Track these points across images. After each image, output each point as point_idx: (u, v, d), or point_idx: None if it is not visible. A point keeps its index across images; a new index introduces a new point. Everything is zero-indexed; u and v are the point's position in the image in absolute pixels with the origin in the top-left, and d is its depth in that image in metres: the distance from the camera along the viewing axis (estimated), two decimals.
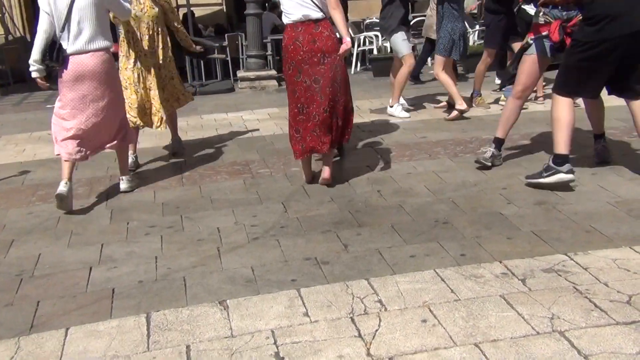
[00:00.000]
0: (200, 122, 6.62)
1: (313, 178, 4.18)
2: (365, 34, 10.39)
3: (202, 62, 9.19)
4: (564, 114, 3.69)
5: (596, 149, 4.25)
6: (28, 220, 3.81)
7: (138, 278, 2.88)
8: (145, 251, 3.20)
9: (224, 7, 12.34)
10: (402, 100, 6.33)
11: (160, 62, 4.75)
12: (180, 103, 5.04)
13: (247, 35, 8.93)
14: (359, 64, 10.18)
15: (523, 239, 3.06)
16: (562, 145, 3.66)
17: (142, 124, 4.73)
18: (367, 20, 11.23)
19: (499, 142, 4.27)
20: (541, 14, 3.93)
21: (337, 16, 3.85)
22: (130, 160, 4.63)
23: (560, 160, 3.66)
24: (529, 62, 4.02)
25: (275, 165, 4.71)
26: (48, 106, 7.85)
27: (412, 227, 3.30)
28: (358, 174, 4.32)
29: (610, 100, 4.21)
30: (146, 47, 4.65)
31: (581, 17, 3.69)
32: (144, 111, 4.71)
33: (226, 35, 9.89)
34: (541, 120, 5.46)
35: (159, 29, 4.72)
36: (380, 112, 6.48)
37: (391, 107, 6.25)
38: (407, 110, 6.30)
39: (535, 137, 4.99)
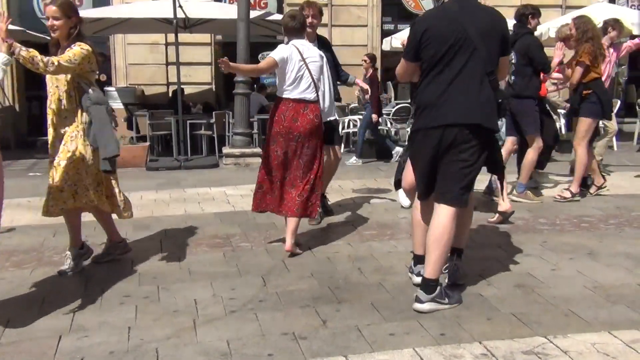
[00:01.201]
0: (184, 195, 6.64)
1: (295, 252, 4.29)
2: (350, 117, 10.69)
3: (188, 136, 9.35)
4: (413, 214, 3.53)
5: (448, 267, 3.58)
6: (0, 285, 3.70)
7: (109, 348, 2.78)
8: (119, 321, 3.11)
9: (213, 86, 12.69)
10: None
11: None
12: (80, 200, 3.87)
13: (234, 114, 9.14)
14: (342, 146, 10.39)
15: (503, 320, 3.04)
16: (416, 245, 3.53)
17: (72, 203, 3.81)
18: (352, 105, 11.59)
19: None
20: None
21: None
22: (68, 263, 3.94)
23: (416, 260, 3.56)
24: None
25: (256, 239, 4.70)
26: (30, 174, 7.85)
27: (391, 305, 3.27)
28: (339, 250, 4.33)
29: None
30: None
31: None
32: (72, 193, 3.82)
33: (214, 112, 10.11)
34: (521, 207, 5.57)
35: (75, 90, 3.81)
36: (362, 192, 6.57)
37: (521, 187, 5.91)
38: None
39: (516, 222, 5.07)
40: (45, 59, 3.48)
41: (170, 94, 11.93)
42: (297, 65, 4.20)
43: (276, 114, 4.26)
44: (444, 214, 3.21)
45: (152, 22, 9.85)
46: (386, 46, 11.84)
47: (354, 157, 9.09)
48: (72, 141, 3.73)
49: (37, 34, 10.57)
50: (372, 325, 3.00)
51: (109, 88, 11.37)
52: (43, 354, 2.75)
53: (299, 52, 4.22)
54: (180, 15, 8.80)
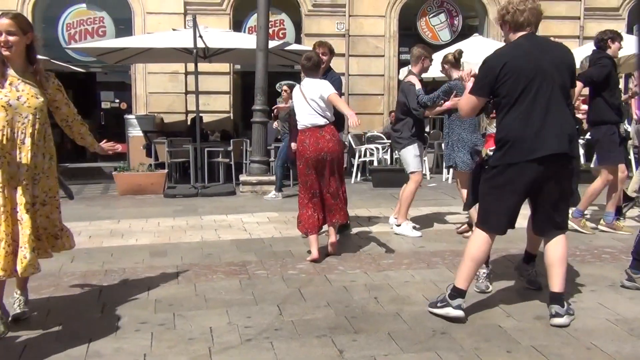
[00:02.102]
0: (200, 222, 6.66)
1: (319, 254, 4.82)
2: (366, 145, 10.73)
3: (205, 164, 9.43)
4: (471, 247, 3.48)
5: (529, 274, 4.00)
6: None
7: None
8: (135, 348, 3.11)
9: (231, 114, 12.83)
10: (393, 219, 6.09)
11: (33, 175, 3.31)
12: (57, 247, 3.55)
13: (252, 142, 9.22)
14: (359, 174, 10.41)
15: (523, 354, 2.98)
16: (460, 279, 3.47)
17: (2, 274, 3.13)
18: (369, 133, 11.65)
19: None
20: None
21: (339, 104, 4.81)
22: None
23: (455, 293, 3.45)
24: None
25: (273, 267, 4.68)
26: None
27: (409, 336, 3.23)
28: (355, 279, 4.29)
29: None
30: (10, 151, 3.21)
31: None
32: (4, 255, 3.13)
33: (231, 140, 10.21)
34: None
35: (39, 127, 3.31)
36: (378, 221, 6.54)
37: (398, 225, 5.86)
38: (416, 228, 5.84)
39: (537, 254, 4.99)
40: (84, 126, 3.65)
41: (189, 122, 12.09)
42: (301, 101, 4.88)
43: (301, 145, 4.87)
44: (562, 240, 3.44)
45: (173, 51, 10.04)
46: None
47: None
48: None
49: (62, 64, 10.85)
50: (389, 355, 2.96)
51: (129, 116, 11.56)
52: None
53: (301, 91, 4.90)
54: (200, 45, 8.97)
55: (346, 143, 5.64)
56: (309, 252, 4.88)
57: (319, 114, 4.81)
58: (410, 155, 5.81)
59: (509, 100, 3.33)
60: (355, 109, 13.65)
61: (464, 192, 5.05)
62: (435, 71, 6.82)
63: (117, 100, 14.33)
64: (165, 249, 5.31)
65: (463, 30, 13.19)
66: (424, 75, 6.08)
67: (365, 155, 10.54)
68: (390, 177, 9.36)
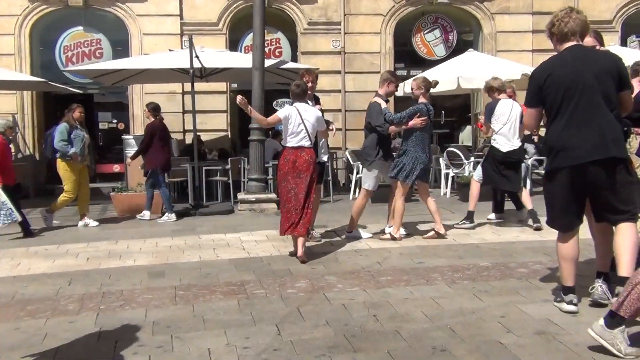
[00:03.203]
0: (199, 241, 6.64)
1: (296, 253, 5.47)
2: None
3: (203, 182, 9.41)
4: (558, 249, 3.79)
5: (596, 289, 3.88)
6: (14, 335, 3.69)
7: None
8: None
9: (229, 133, 12.86)
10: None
11: None
12: None
13: (249, 160, 9.23)
14: (357, 190, 10.39)
15: None
16: (566, 279, 3.78)
17: None
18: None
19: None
20: None
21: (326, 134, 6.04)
22: None
23: (566, 290, 3.77)
24: None
25: (271, 286, 4.66)
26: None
27: (408, 354, 3.20)
28: (354, 297, 4.27)
29: None
30: None
31: None
32: None
33: (229, 159, 10.22)
34: (538, 249, 5.48)
35: None
36: (377, 238, 6.51)
37: (349, 232, 6.48)
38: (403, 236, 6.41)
39: (534, 266, 4.98)
40: None
41: (186, 142, 12.10)
42: (296, 122, 5.52)
43: (281, 159, 5.62)
44: (629, 228, 3.60)
45: (170, 72, 10.08)
46: (399, 92, 11.97)
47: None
48: None
49: (60, 85, 10.89)
50: None
51: (127, 136, 11.55)
52: None
53: (299, 113, 5.54)
54: (196, 65, 9.01)
55: (324, 161, 6.62)
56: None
57: (309, 137, 5.56)
58: (371, 174, 6.39)
59: (552, 109, 3.63)
60: (352, 125, 13.65)
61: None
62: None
63: (115, 121, 14.34)
64: (163, 270, 5.29)
65: (458, 46, 13.26)
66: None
67: (358, 173, 10.52)
68: (389, 192, 9.34)
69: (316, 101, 6.31)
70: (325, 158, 6.54)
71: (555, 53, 3.78)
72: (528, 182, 9.49)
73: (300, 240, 5.49)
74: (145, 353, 3.33)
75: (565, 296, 3.76)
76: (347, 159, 11.38)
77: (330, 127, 6.22)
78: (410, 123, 6.11)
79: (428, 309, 3.95)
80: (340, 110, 12.72)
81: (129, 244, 6.52)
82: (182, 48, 11.15)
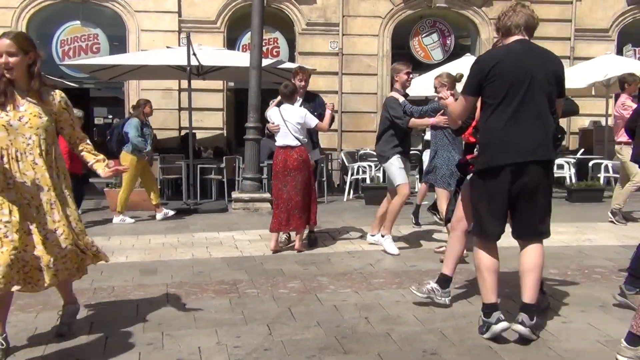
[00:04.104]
0: (192, 239, 6.63)
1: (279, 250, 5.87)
2: (359, 163, 10.75)
3: (198, 180, 9.41)
4: (481, 259, 3.44)
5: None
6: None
7: None
8: None
9: (225, 131, 12.85)
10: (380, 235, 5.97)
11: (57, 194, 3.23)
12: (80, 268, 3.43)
13: (244, 159, 9.22)
14: (351, 192, 10.42)
15: None
16: (486, 295, 3.42)
17: (17, 287, 3.04)
18: (362, 151, 11.68)
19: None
20: None
21: (326, 125, 5.99)
22: None
23: (488, 310, 3.40)
24: None
25: (263, 286, 4.66)
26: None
27: (399, 357, 3.21)
28: (346, 299, 4.27)
29: (598, 240, 4.27)
30: (19, 173, 3.12)
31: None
32: (19, 267, 3.03)
33: (224, 157, 10.21)
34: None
35: (46, 147, 3.23)
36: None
37: (382, 236, 5.81)
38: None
39: None
40: (92, 151, 3.48)
41: (181, 139, 12.08)
42: (277, 122, 5.79)
43: (274, 159, 5.91)
44: (539, 249, 3.42)
45: (167, 69, 10.08)
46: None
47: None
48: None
49: (55, 79, 10.84)
50: None
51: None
52: None
53: (281, 114, 5.81)
54: (194, 62, 9.00)
55: (315, 162, 6.49)
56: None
57: (293, 136, 5.73)
58: (394, 168, 5.70)
59: (493, 101, 3.34)
60: (348, 127, 13.68)
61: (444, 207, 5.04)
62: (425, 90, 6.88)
63: (110, 116, 14.33)
64: (155, 267, 5.28)
65: (455, 50, 13.31)
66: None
67: (357, 173, 10.56)
68: (383, 194, 9.29)
69: (312, 99, 6.32)
70: (315, 158, 6.45)
71: None
72: None
73: (300, 235, 5.85)
74: (136, 350, 3.33)
75: (489, 318, 3.36)
76: (342, 160, 11.39)
77: (330, 108, 6.04)
78: (433, 120, 5.48)
79: (419, 312, 3.95)
80: (337, 112, 12.72)
81: (121, 240, 6.50)
82: (179, 45, 11.13)
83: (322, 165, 10.23)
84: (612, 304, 4.05)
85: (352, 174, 10.48)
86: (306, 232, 6.20)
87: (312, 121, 5.86)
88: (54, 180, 3.21)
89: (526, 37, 3.47)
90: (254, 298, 4.35)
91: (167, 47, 10.74)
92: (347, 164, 10.88)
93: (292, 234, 6.12)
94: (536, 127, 3.32)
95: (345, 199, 10.20)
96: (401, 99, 5.71)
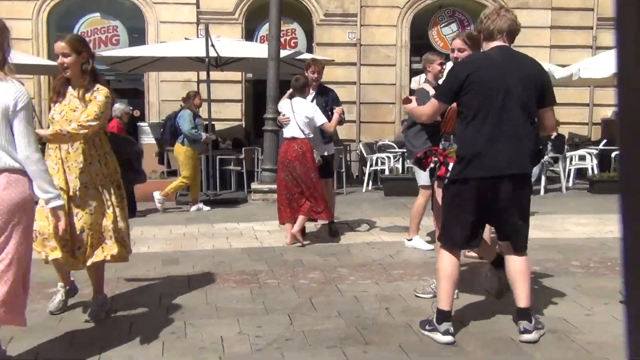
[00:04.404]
0: (212, 230, 6.69)
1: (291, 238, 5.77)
2: (377, 154, 10.72)
3: (217, 172, 9.46)
4: (441, 265, 3.36)
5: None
6: (30, 318, 3.71)
7: None
8: (146, 357, 3.12)
9: (243, 122, 12.88)
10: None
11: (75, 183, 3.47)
12: (104, 251, 3.55)
13: (263, 150, 9.25)
14: (370, 183, 10.40)
15: None
16: (442, 301, 3.33)
17: (61, 259, 3.42)
18: (380, 142, 11.64)
19: None
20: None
21: (333, 127, 5.93)
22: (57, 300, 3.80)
23: (440, 316, 3.31)
24: None
25: (283, 276, 4.69)
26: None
27: (420, 348, 3.21)
28: (366, 289, 4.28)
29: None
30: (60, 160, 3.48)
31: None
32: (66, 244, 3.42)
33: (243, 148, 10.25)
34: (551, 247, 5.46)
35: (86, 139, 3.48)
36: (390, 230, 6.52)
37: (409, 240, 5.69)
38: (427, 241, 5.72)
39: (547, 264, 4.96)
40: (73, 125, 3.32)
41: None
42: (289, 116, 5.79)
43: (280, 151, 6.01)
44: (524, 259, 3.35)
45: (185, 60, 10.12)
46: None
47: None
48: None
49: None
50: None
51: (142, 123, 11.63)
52: None
53: (291, 106, 5.81)
54: (212, 54, 9.03)
55: (328, 154, 6.26)
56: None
57: (300, 129, 5.73)
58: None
59: (470, 112, 3.21)
60: (366, 118, 13.62)
61: None
62: None
63: (131, 108, 14.45)
64: (177, 257, 5.34)
65: None
66: None
67: (376, 164, 10.53)
68: (402, 186, 9.32)
69: (325, 92, 6.18)
70: (328, 153, 6.23)
71: None
72: (543, 179, 9.44)
73: (300, 220, 5.75)
74: (160, 339, 3.37)
75: (439, 325, 3.28)
76: (361, 152, 11.37)
77: (338, 112, 5.88)
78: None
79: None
80: (355, 103, 12.69)
81: (142, 231, 6.57)
82: (198, 37, 11.16)
83: (341, 156, 10.23)
84: None
85: (370, 165, 10.45)
86: (318, 225, 6.30)
87: (320, 120, 5.78)
88: (95, 167, 3.49)
89: (506, 44, 3.34)
90: (275, 288, 4.37)
91: (186, 39, 10.78)
92: (365, 155, 10.85)
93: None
94: (513, 140, 3.19)
95: (364, 190, 10.18)
96: (432, 91, 5.55)
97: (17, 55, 10.60)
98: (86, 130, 3.35)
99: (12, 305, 2.74)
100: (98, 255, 3.53)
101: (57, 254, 3.38)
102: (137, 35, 12.58)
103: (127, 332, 3.47)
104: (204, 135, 8.13)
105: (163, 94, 12.65)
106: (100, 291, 3.81)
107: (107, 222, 3.54)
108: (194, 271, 4.85)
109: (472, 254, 5.08)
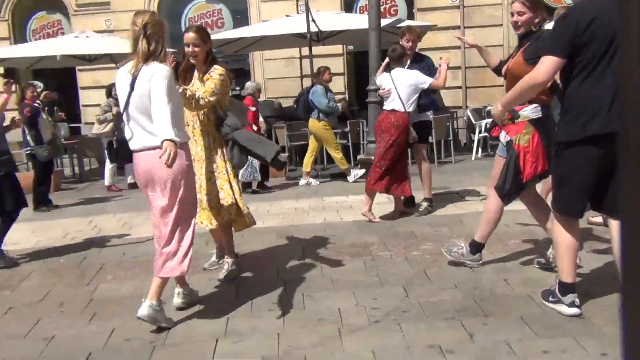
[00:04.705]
0: (322, 203, 6.81)
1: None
2: (486, 120, 10.32)
3: (323, 146, 9.58)
4: (562, 237, 3.16)
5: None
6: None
7: (261, 353, 2.93)
8: (268, 327, 3.27)
9: (347, 95, 12.90)
10: None
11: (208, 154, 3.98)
12: (223, 218, 4.01)
13: (368, 122, 9.22)
14: (479, 150, 10.07)
15: None
16: (564, 273, 3.17)
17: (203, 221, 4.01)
18: (488, 107, 11.19)
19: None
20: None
21: (441, 82, 5.67)
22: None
23: (564, 289, 3.16)
24: None
25: (396, 248, 4.69)
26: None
27: (543, 320, 3.10)
28: (482, 260, 4.18)
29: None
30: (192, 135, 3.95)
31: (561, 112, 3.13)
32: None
33: (348, 122, 10.28)
34: None
35: (203, 116, 3.94)
36: None
37: None
38: None
39: None
40: (198, 94, 3.69)
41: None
42: (388, 87, 5.71)
43: (376, 121, 5.97)
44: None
45: (288, 37, 10.26)
46: None
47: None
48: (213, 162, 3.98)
49: None
50: (523, 340, 2.87)
51: None
52: (203, 355, 2.97)
53: (391, 78, 5.72)
54: (313, 29, 9.07)
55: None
56: None
57: (401, 102, 5.60)
58: None
59: (589, 63, 2.92)
60: (473, 83, 13.13)
61: None
62: None
63: (238, 88, 14.93)
64: (290, 231, 5.51)
65: None
66: None
67: (485, 131, 10.15)
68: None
69: (421, 60, 6.01)
70: (422, 119, 6.07)
71: None
72: None
73: (373, 195, 5.72)
74: (280, 310, 3.51)
75: (563, 297, 3.14)
76: (468, 118, 11.01)
77: (446, 62, 5.67)
78: None
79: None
80: (459, 68, 12.27)
81: (257, 207, 6.81)
82: (298, 13, 11.26)
83: (448, 124, 9.97)
84: None
85: (479, 132, 10.10)
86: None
87: (425, 80, 5.63)
88: (207, 143, 3.93)
89: None
90: (387, 260, 4.39)
91: (287, 16, 10.91)
92: (473, 122, 10.50)
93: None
94: (617, 93, 2.80)
95: (473, 158, 9.89)
96: None
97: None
98: (205, 102, 3.72)
99: (176, 259, 3.34)
100: (223, 219, 4.02)
101: (203, 218, 3.96)
102: (240, 16, 12.92)
103: (248, 304, 3.65)
104: (339, 106, 8.27)
105: (267, 72, 12.95)
106: (232, 253, 4.25)
107: (226, 193, 3.96)
108: (308, 245, 4.98)
109: (597, 219, 4.82)
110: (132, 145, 3.34)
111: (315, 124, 8.26)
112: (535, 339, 2.88)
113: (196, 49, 3.83)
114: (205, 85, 3.80)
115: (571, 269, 3.16)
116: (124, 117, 3.33)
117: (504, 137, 3.71)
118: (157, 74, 3.16)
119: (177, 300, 3.64)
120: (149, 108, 3.17)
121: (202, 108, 3.80)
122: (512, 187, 3.65)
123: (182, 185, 3.30)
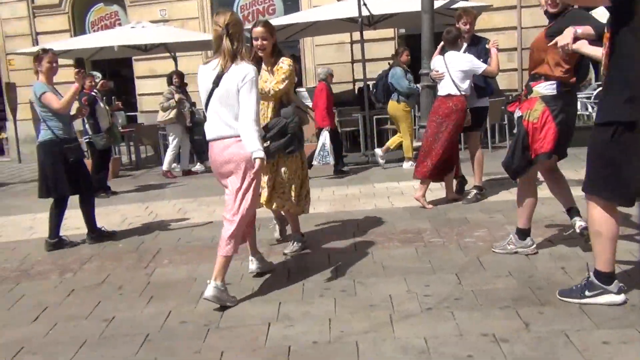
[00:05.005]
0: (373, 190, 6.77)
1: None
2: None
3: (374, 132, 9.51)
4: (606, 226, 2.98)
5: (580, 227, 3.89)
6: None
7: (313, 338, 2.95)
8: (320, 312, 3.28)
9: None
10: None
11: None
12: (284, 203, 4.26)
13: (419, 107, 9.08)
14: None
15: None
16: (605, 263, 3.01)
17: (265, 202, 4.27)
18: None
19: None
20: None
21: (493, 67, 5.53)
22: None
23: (606, 278, 3.01)
24: None
25: (448, 235, 4.62)
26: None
27: (602, 310, 2.98)
28: (539, 247, 4.06)
29: None
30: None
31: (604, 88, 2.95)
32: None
33: None
34: None
35: (273, 104, 4.20)
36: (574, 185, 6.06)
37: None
38: None
39: None
40: (269, 86, 4.03)
41: (356, 91, 12.24)
42: (441, 72, 5.58)
43: (433, 106, 5.79)
44: None
45: (338, 22, 10.19)
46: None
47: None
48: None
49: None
50: (581, 331, 2.77)
51: (300, 89, 12.02)
52: (255, 339, 3.01)
53: (445, 62, 5.57)
54: (364, 13, 8.97)
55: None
56: None
57: (455, 86, 5.48)
58: None
59: None
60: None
61: None
62: None
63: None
64: (341, 217, 5.51)
65: None
66: None
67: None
68: (581, 135, 8.60)
69: (478, 42, 5.85)
70: (480, 105, 5.89)
71: None
72: None
73: (425, 182, 5.68)
74: (331, 295, 3.53)
75: (609, 285, 3.01)
76: None
77: (494, 46, 5.55)
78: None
79: (624, 263, 3.62)
80: (515, 49, 11.89)
81: None
82: None
83: (503, 107, 9.67)
84: None
85: None
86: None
87: (479, 67, 5.51)
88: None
89: None
90: (440, 247, 4.33)
91: (337, 1, 10.83)
92: (481, 106, 10.14)
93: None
94: None
95: None
96: None
97: (187, 34, 11.52)
98: (276, 90, 4.04)
99: (237, 239, 3.55)
100: (278, 204, 4.24)
101: (264, 199, 4.21)
102: (291, 2, 12.93)
103: (300, 289, 3.68)
104: (419, 87, 8.17)
105: (318, 58, 12.92)
106: (297, 230, 4.51)
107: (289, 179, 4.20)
108: (359, 230, 4.97)
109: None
110: (209, 135, 3.55)
111: (395, 106, 8.21)
112: (594, 330, 2.78)
113: (265, 42, 4.05)
114: (275, 74, 4.07)
115: (614, 258, 3.03)
116: (205, 110, 3.57)
117: (517, 113, 3.68)
118: (248, 75, 3.39)
119: (252, 266, 4.00)
120: (232, 104, 3.42)
121: (273, 98, 4.09)
122: (520, 162, 3.73)
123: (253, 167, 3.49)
